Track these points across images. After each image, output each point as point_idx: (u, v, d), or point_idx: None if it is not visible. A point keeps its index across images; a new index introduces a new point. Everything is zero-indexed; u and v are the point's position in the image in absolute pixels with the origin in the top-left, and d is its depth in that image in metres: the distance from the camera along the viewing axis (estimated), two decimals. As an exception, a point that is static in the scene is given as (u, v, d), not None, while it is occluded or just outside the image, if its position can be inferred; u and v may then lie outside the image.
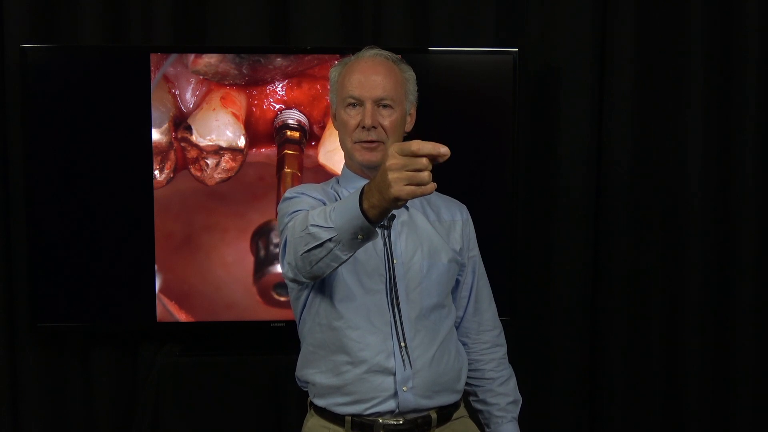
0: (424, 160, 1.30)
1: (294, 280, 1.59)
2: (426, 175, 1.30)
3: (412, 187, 1.30)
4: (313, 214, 1.47)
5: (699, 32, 2.68)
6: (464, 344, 1.87)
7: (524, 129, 2.63)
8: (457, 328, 1.86)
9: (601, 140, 2.72)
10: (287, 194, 1.72)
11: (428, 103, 2.49)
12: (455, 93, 2.52)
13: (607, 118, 2.71)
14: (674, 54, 2.70)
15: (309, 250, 1.46)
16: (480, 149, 2.55)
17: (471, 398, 1.90)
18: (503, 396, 1.87)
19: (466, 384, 1.85)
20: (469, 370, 1.85)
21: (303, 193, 1.70)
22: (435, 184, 1.31)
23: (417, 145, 1.29)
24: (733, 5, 2.68)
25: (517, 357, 2.77)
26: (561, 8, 2.68)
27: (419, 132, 2.61)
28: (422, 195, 1.31)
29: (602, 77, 2.71)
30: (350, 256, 1.47)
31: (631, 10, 2.68)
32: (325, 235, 1.43)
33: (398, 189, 1.30)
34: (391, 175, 1.30)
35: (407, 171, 1.29)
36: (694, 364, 2.74)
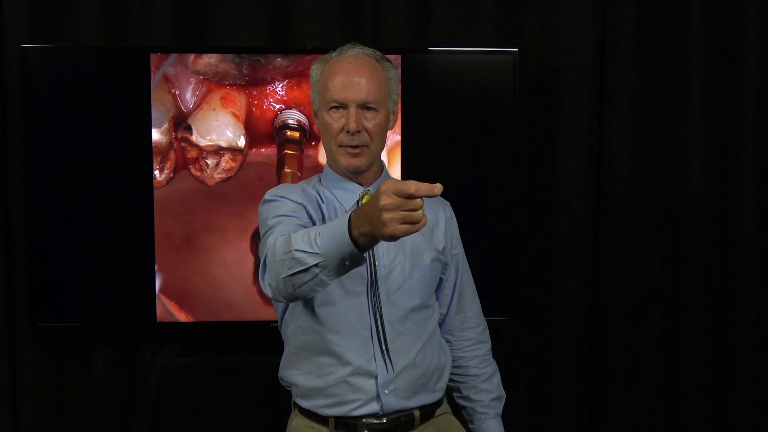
0: (419, 201, 1.30)
1: (274, 299, 1.58)
2: (420, 213, 1.30)
3: (407, 226, 1.30)
4: (296, 237, 1.45)
5: (699, 32, 2.68)
6: (448, 341, 1.88)
7: (524, 129, 2.64)
8: (440, 325, 1.87)
9: (601, 140, 2.72)
10: (266, 196, 1.72)
11: (428, 103, 2.50)
12: (455, 93, 2.52)
13: (607, 118, 2.71)
14: (674, 54, 2.70)
15: (293, 275, 1.44)
16: (480, 149, 2.54)
17: (454, 394, 1.91)
18: (487, 392, 1.88)
19: (450, 380, 1.86)
20: (453, 367, 1.87)
21: (283, 197, 1.69)
22: (426, 218, 1.32)
23: (414, 186, 1.28)
24: (733, 5, 2.68)
25: (517, 357, 2.78)
26: (561, 8, 2.68)
27: (419, 132, 2.61)
28: (415, 231, 1.31)
29: (602, 77, 2.71)
30: (334, 280, 1.46)
31: (631, 11, 2.68)
32: (310, 261, 1.41)
33: (393, 228, 1.30)
34: (386, 216, 1.29)
35: (402, 211, 1.29)
36: (694, 364, 2.74)
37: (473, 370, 1.89)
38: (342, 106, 1.68)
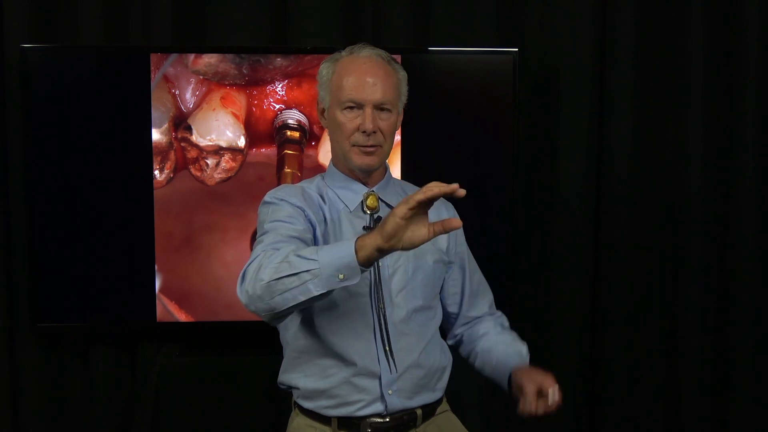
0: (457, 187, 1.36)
1: (246, 307, 1.53)
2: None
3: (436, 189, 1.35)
4: (298, 248, 1.47)
5: (699, 32, 2.68)
6: (461, 333, 1.90)
7: (524, 129, 2.63)
8: (452, 324, 1.89)
9: (601, 140, 2.72)
10: (267, 198, 1.71)
11: (428, 103, 2.50)
12: (455, 93, 2.52)
13: (607, 118, 2.72)
14: (674, 54, 2.70)
15: (280, 278, 1.42)
16: (480, 149, 2.54)
17: (469, 358, 1.89)
18: (493, 327, 1.89)
19: (460, 349, 1.90)
20: (466, 343, 1.89)
21: (283, 200, 1.68)
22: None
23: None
24: (733, 5, 2.68)
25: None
26: (561, 8, 2.68)
27: (419, 132, 2.61)
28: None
29: (602, 77, 2.71)
30: (317, 298, 1.43)
31: (631, 11, 2.68)
32: (304, 265, 1.41)
33: (428, 189, 1.35)
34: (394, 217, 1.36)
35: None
36: (694, 364, 2.74)
37: (483, 327, 1.89)
38: (357, 106, 1.67)
